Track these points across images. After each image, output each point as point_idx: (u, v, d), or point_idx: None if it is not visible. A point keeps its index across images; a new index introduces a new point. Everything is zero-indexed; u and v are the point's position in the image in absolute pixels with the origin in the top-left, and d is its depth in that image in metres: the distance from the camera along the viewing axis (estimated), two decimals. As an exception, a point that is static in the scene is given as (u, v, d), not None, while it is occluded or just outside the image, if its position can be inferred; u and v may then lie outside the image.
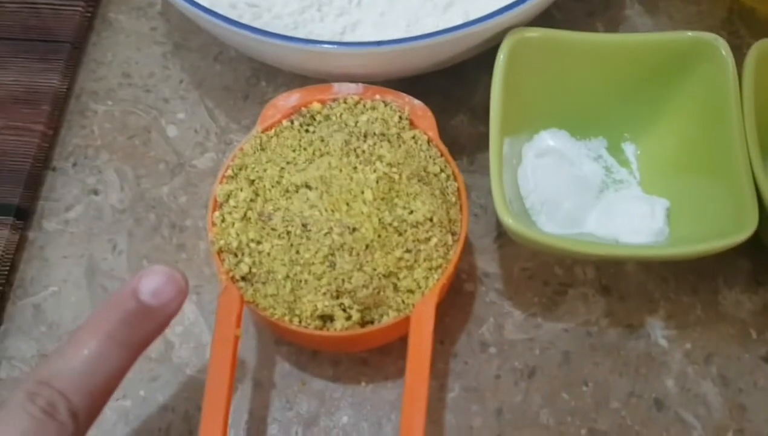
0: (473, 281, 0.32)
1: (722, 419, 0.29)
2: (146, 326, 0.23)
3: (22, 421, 0.20)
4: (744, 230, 0.26)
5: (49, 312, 0.32)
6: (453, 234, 0.28)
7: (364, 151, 0.29)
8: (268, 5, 0.35)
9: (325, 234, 0.27)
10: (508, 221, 0.26)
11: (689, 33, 0.30)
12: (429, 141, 0.30)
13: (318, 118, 0.31)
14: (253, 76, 0.38)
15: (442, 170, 0.29)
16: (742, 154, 0.27)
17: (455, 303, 0.32)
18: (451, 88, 0.37)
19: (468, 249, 0.33)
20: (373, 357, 0.30)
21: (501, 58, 0.30)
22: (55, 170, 0.36)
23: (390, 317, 0.27)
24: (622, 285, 0.32)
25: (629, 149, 0.33)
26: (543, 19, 0.33)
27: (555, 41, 0.30)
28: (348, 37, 0.35)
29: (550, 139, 0.33)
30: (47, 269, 0.33)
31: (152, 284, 0.23)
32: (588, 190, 0.32)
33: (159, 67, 0.39)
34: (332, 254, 0.26)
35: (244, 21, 0.34)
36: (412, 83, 0.34)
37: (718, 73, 0.29)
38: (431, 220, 0.27)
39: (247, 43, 0.32)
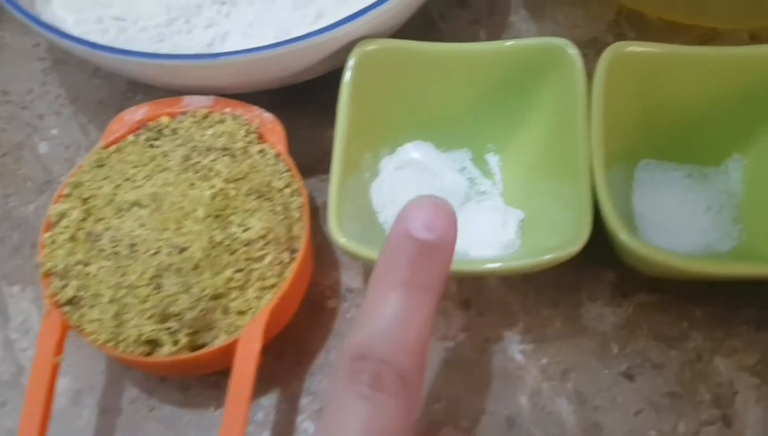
0: (336, 297, 0.32)
1: (577, 437, 0.28)
2: (435, 262, 0.20)
3: (357, 407, 0.18)
4: (574, 244, 0.25)
5: None
6: (293, 251, 0.27)
7: (203, 166, 0.28)
8: (135, 18, 0.35)
9: (153, 254, 0.26)
10: (341, 240, 0.26)
11: (540, 39, 0.29)
12: (277, 155, 0.29)
13: (166, 132, 0.30)
14: (129, 90, 0.37)
15: (287, 185, 0.28)
16: (584, 163, 0.27)
17: (317, 321, 0.31)
18: (329, 101, 0.36)
19: (333, 265, 0.32)
20: (224, 380, 0.29)
21: (347, 72, 0.29)
22: (-76, 190, 0.35)
23: (221, 340, 0.26)
24: (482, 299, 0.31)
25: (493, 160, 0.32)
26: (426, 29, 0.32)
27: (402, 53, 0.30)
28: (216, 49, 0.35)
29: (414, 151, 0.32)
30: None
31: (420, 218, 0.20)
32: (450, 201, 0.31)
33: (38, 84, 0.38)
34: (159, 276, 0.26)
35: (109, 35, 0.34)
36: (291, 95, 0.34)
37: (569, 79, 0.28)
38: (265, 237, 0.27)
39: (100, 61, 0.31)
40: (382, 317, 0.19)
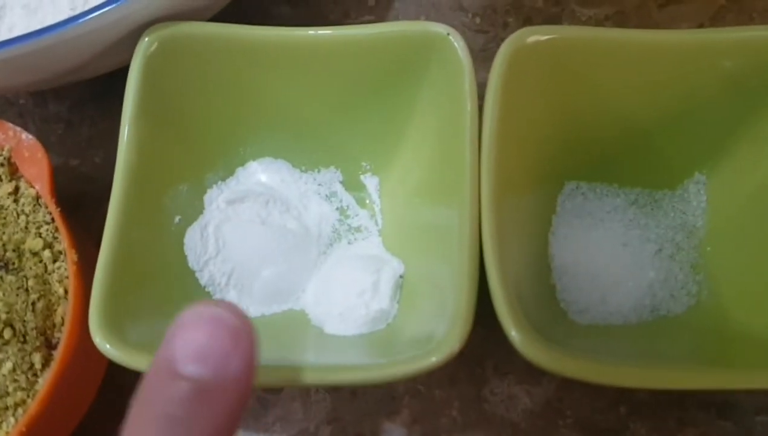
0: (162, 376, 0.23)
1: None
2: (209, 411, 0.13)
3: None
4: (445, 346, 0.16)
5: None
6: (51, 348, 0.19)
7: None
8: None
9: None
10: (105, 347, 0.17)
11: (412, 25, 0.20)
12: (37, 198, 0.20)
13: None
14: None
15: (47, 246, 0.20)
16: (469, 201, 0.18)
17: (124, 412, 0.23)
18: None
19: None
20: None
21: (134, 70, 0.20)
22: None
23: (-57, 486, 0.18)
24: (356, 377, 0.23)
25: (371, 183, 0.23)
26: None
27: (222, 39, 0.20)
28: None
29: (261, 172, 0.23)
30: None
31: (189, 342, 0.14)
32: (308, 246, 0.22)
33: None
34: None
35: None
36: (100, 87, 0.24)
37: (453, 79, 0.19)
38: (2, 334, 0.18)
39: None
40: None
